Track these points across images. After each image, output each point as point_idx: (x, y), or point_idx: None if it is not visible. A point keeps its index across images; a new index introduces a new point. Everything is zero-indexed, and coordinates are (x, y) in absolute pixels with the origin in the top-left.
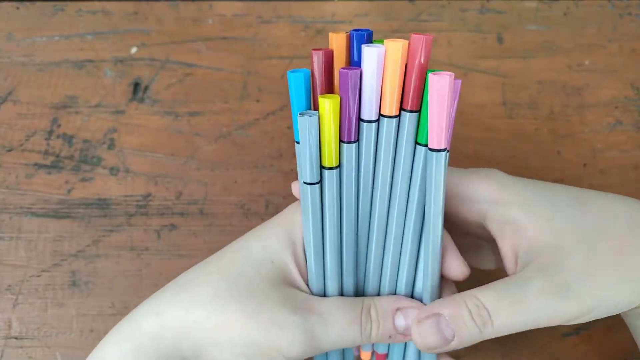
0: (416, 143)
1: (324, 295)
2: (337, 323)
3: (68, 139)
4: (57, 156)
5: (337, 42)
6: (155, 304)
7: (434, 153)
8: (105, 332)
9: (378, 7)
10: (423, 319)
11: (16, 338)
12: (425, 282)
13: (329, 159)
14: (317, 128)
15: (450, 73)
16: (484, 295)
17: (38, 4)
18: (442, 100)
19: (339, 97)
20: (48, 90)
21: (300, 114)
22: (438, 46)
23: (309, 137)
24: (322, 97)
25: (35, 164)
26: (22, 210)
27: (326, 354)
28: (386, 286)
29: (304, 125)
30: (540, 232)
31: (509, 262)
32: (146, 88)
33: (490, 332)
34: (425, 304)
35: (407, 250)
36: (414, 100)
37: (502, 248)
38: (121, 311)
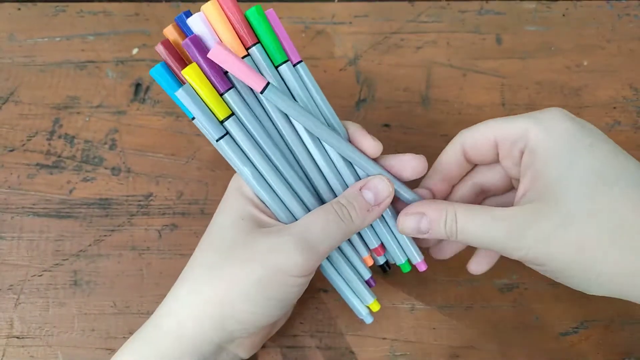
0: (277, 67)
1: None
2: (317, 221)
3: (70, 139)
4: (59, 156)
5: (171, 32)
6: (166, 306)
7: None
8: (107, 332)
9: (378, 8)
10: (410, 213)
11: (18, 337)
12: (356, 164)
13: (220, 112)
14: (194, 92)
15: (217, 42)
16: (461, 212)
17: (39, 4)
18: (227, 57)
19: (195, 63)
20: (49, 91)
21: (176, 92)
22: (437, 47)
23: (194, 103)
24: (183, 71)
25: (37, 164)
26: (24, 210)
27: (336, 270)
28: (339, 188)
29: (184, 97)
30: (540, 187)
31: (516, 199)
32: (147, 89)
33: (454, 240)
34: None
35: (328, 149)
36: (248, 36)
37: (520, 185)
38: (122, 310)
